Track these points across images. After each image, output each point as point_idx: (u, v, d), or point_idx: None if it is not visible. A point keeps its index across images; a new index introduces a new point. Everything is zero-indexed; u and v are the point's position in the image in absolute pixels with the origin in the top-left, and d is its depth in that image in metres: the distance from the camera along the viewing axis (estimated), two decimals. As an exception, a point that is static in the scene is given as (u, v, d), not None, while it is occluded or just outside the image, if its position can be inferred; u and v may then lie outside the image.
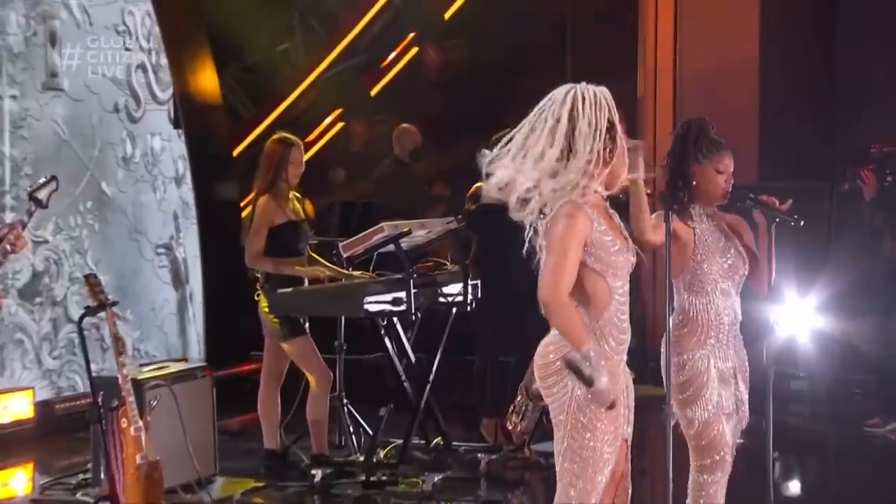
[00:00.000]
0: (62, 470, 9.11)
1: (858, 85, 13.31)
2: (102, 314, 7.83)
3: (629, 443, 5.62)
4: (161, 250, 12.11)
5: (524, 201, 5.35)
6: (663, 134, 13.22)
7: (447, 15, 13.76)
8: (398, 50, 13.49)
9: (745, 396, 6.52)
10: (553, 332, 5.46)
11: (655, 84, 13.38)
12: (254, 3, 12.39)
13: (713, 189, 6.43)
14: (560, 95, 5.30)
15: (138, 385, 8.00)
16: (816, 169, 11.94)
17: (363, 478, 8.73)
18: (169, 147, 12.15)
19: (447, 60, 13.57)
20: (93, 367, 8.65)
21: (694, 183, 6.38)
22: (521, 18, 12.96)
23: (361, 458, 8.96)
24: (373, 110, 13.68)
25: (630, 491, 5.74)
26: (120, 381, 7.61)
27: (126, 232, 11.76)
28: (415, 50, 13.69)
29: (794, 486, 9.67)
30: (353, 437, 9.37)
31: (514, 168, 5.36)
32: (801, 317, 12.10)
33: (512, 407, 9.57)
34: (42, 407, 10.56)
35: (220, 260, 11.22)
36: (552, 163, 5.31)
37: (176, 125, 12.16)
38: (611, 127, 5.32)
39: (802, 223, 6.62)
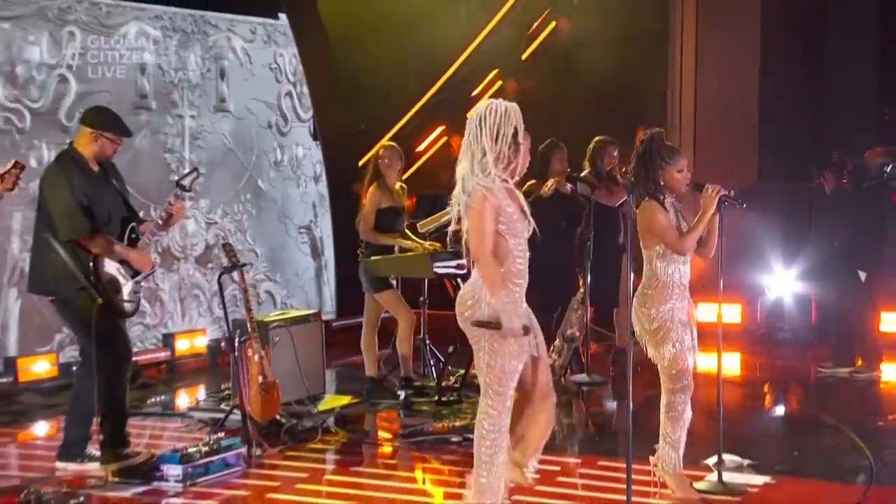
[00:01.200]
0: (219, 389, 9.25)
1: (840, 109, 13.10)
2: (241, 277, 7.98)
3: (545, 360, 5.84)
4: (303, 230, 12.16)
5: (464, 191, 5.55)
6: (686, 144, 13.15)
7: (524, 56, 13.73)
8: (485, 82, 13.48)
9: (696, 334, 6.50)
10: (469, 283, 5.67)
11: (681, 107, 13.28)
12: (379, 52, 12.42)
13: (677, 185, 6.43)
14: (480, 109, 5.49)
15: (264, 326, 8.12)
16: (804, 173, 11.70)
17: (436, 397, 8.80)
18: (309, 154, 12.19)
19: (521, 90, 13.52)
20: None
21: (662, 183, 6.38)
22: (576, 59, 12.92)
23: (434, 383, 9.03)
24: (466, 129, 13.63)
25: (554, 400, 5.88)
26: (248, 322, 7.81)
27: (276, 217, 11.84)
28: (499, 83, 13.65)
29: (746, 407, 9.62)
30: (433, 368, 9.44)
31: (462, 167, 5.58)
32: (786, 283, 12.02)
33: (552, 347, 9.62)
34: (212, 344, 10.76)
35: (347, 239, 11.24)
36: (477, 161, 5.47)
37: (314, 138, 12.21)
38: (515, 133, 5.47)
39: (746, 206, 6.57)
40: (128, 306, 7.15)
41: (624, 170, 6.68)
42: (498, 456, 5.69)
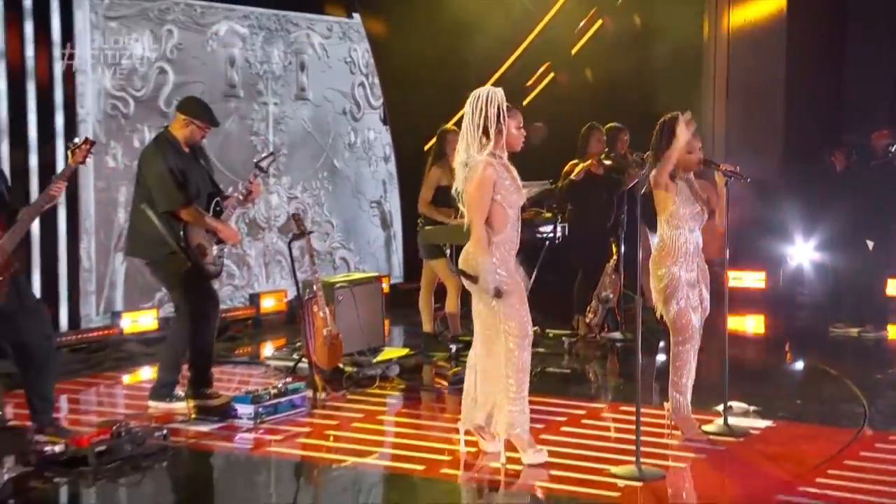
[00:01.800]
0: (294, 341, 9.30)
1: (859, 96, 12.90)
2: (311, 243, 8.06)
3: None
4: (373, 205, 12.21)
5: (465, 164, 5.65)
6: (719, 127, 13.03)
7: (573, 51, 13.62)
8: (537, 74, 13.37)
9: (707, 295, 6.48)
10: (467, 245, 5.81)
11: (714, 96, 13.14)
12: (442, 47, 12.40)
13: (688, 163, 6.42)
14: (469, 98, 5.64)
15: (329, 286, 8.22)
16: (822, 155, 11.53)
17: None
18: (379, 137, 12.22)
19: (571, 82, 13.42)
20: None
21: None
22: (619, 53, 12.83)
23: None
24: (525, 116, 13.51)
25: None
26: (313, 282, 7.91)
27: (350, 192, 11.90)
28: (550, 75, 13.54)
29: (762, 361, 9.55)
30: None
31: (459, 147, 5.79)
32: (806, 252, 11.91)
33: (589, 307, 9.63)
34: (291, 302, 10.79)
35: (412, 212, 11.35)
36: (469, 143, 5.63)
37: (384, 123, 12.24)
38: (498, 114, 5.56)
39: (749, 180, 6.56)
40: (213, 268, 7.27)
41: (635, 154, 6.69)
42: (523, 391, 5.78)
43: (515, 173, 5.81)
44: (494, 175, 5.66)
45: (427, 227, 8.88)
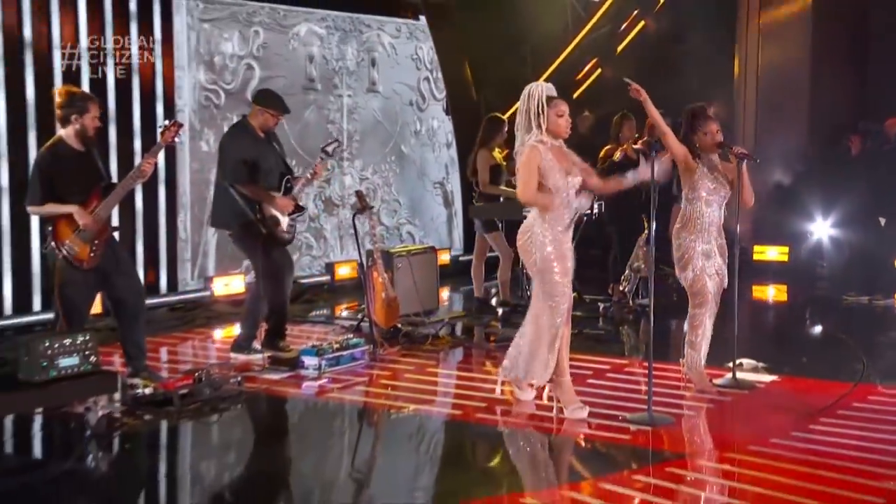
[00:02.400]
0: (361, 304, 9.45)
1: (880, 86, 12.61)
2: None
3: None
4: (437, 185, 12.21)
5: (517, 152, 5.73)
6: (749, 114, 12.85)
7: (619, 49, 13.53)
8: (586, 69, 13.30)
9: (724, 266, 6.44)
10: (526, 221, 5.86)
11: (745, 86, 12.96)
12: (500, 45, 12.37)
13: (707, 145, 6.39)
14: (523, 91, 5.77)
15: (389, 255, 8.30)
16: (843, 140, 11.31)
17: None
18: (442, 126, 12.21)
19: (616, 77, 13.29)
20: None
21: (697, 144, 6.37)
22: (659, 50, 12.73)
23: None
24: (574, 107, 13.42)
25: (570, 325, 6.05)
26: (374, 251, 8.01)
27: (415, 174, 11.92)
28: (598, 70, 13.44)
29: (779, 325, 9.44)
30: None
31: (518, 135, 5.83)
32: (825, 228, 11.72)
33: (622, 276, 9.62)
34: (360, 269, 10.88)
35: (471, 193, 11.42)
36: (520, 130, 5.74)
37: (447, 113, 12.21)
38: (538, 105, 5.58)
39: (759, 161, 6.52)
40: (286, 237, 7.39)
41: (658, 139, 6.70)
42: (554, 345, 5.89)
43: (574, 157, 5.82)
44: (539, 158, 5.68)
45: (478, 204, 8.93)
